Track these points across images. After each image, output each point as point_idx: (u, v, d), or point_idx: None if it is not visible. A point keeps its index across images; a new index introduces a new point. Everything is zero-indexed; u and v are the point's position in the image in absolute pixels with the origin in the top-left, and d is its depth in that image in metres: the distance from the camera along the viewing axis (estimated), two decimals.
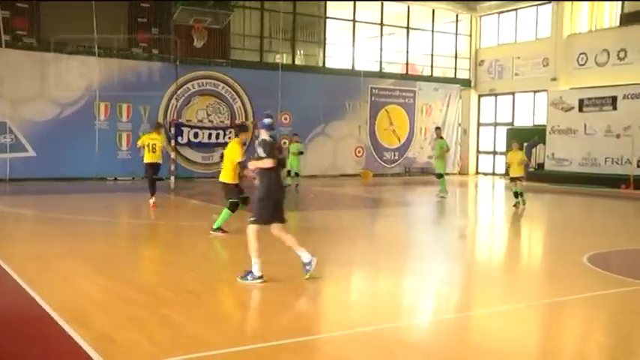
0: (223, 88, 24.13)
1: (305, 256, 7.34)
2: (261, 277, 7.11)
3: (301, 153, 20.46)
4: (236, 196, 10.54)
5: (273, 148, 7.32)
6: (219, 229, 10.57)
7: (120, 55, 22.03)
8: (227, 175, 10.58)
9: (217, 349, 4.99)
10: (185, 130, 23.03)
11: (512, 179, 16.45)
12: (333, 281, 8.01)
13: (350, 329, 5.67)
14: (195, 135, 23.26)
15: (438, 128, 20.17)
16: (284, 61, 26.18)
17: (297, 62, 26.79)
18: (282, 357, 4.97)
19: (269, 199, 7.33)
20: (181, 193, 18.50)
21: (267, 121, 7.51)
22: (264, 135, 7.41)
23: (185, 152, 23.17)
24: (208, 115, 23.82)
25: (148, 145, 14.06)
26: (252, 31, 25.62)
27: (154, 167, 14.18)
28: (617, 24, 24.67)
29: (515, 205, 15.82)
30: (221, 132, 23.64)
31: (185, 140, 22.99)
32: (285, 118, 25.25)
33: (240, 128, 11.98)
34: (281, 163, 7.57)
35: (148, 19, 22.54)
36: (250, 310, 6.26)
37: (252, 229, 7.27)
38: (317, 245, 10.42)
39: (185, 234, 11.83)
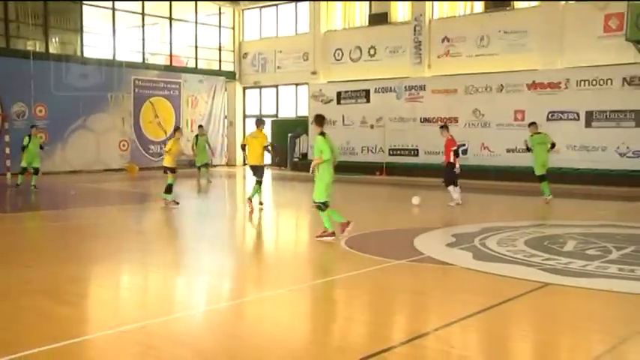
0: None
1: None
2: None
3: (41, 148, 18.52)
4: (263, 174, 13.82)
5: None
6: (259, 202, 13.98)
7: None
8: (259, 159, 13.65)
9: None
10: None
11: (167, 169, 14.18)
12: (97, 281, 7.61)
13: (111, 329, 5.39)
14: None
15: (200, 126, 22.92)
16: (36, 49, 24.20)
17: (51, 50, 24.88)
18: None
19: None
20: None
21: None
22: None
23: None
24: None
25: None
26: None
27: None
28: (367, 23, 26.65)
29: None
30: None
31: None
32: (40, 111, 23.42)
33: (260, 122, 13.97)
34: None
35: None
36: None
37: None
38: (80, 244, 9.81)
39: None
